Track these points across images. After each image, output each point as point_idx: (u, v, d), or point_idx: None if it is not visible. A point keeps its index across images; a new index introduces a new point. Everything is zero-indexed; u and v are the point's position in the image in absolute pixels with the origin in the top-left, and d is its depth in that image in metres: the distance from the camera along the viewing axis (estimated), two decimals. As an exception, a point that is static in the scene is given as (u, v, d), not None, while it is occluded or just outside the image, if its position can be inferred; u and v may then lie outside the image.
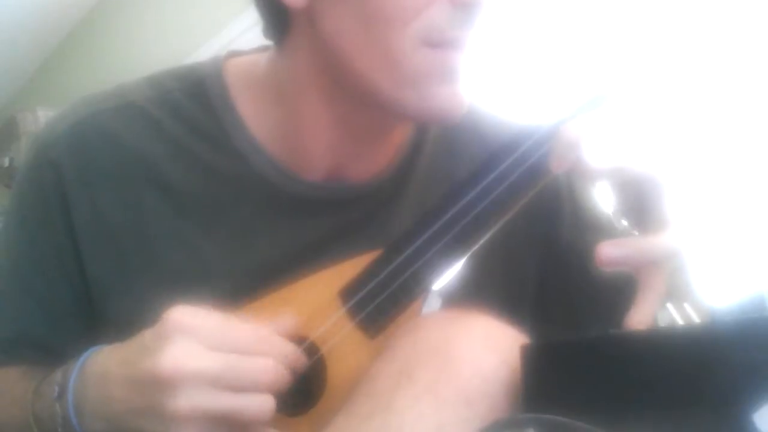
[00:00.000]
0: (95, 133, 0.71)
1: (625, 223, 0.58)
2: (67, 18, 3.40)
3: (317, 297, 0.65)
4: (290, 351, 0.59)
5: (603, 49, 1.37)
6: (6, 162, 2.78)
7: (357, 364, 0.61)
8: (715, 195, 1.10)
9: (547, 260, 0.77)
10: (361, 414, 0.53)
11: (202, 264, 0.70)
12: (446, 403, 0.51)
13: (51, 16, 3.33)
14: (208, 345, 0.55)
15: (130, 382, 0.56)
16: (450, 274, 0.64)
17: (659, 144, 0.56)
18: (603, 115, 0.56)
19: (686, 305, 0.56)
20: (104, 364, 0.60)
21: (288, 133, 0.71)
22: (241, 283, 0.67)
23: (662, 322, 0.55)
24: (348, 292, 0.65)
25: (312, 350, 0.64)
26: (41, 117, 2.68)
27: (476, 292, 0.66)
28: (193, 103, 0.72)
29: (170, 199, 0.70)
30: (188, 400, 0.53)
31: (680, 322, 0.55)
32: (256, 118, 0.71)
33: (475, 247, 0.63)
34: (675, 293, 0.57)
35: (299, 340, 0.63)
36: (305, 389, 0.63)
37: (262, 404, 0.55)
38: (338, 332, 0.64)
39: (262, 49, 0.74)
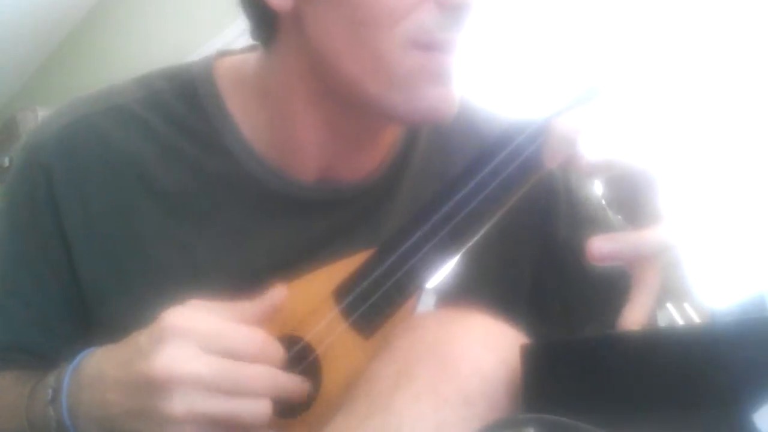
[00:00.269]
0: (85, 136, 0.70)
1: (619, 218, 0.58)
2: (67, 18, 3.40)
3: (311, 297, 0.65)
4: (283, 354, 0.59)
5: (596, 40, 1.36)
6: (6, 162, 2.78)
7: (352, 364, 0.61)
8: (715, 194, 1.10)
9: (543, 257, 0.77)
10: (360, 414, 0.52)
11: (195, 265, 0.69)
12: (446, 402, 0.51)
13: (51, 16, 3.34)
14: (203, 348, 0.55)
15: (125, 384, 0.56)
16: (444, 271, 0.64)
17: (652, 138, 0.56)
18: (596, 108, 0.56)
19: (686, 305, 0.55)
20: (98, 366, 0.59)
21: (278, 134, 0.70)
22: (233, 284, 0.66)
23: (662, 322, 0.55)
24: (341, 292, 0.64)
25: (307, 351, 0.64)
26: (41, 117, 2.68)
27: (472, 290, 0.66)
28: (183, 104, 0.71)
29: (161, 200, 0.70)
30: (183, 404, 0.53)
31: (680, 322, 0.55)
32: (246, 119, 0.71)
33: (469, 244, 0.63)
34: (674, 292, 0.57)
35: (294, 340, 0.63)
36: None
37: (259, 409, 0.55)
38: (333, 332, 0.64)
39: (252, 48, 0.73)
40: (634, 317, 0.53)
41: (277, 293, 0.62)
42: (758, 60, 1.14)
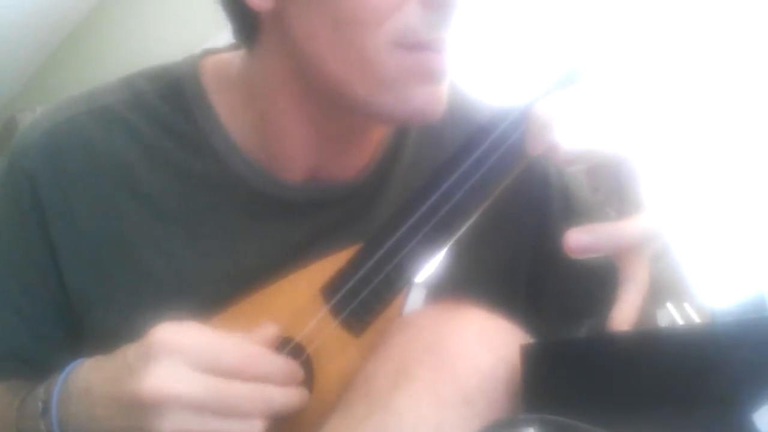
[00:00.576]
0: (69, 140, 0.69)
1: (613, 212, 0.57)
2: (67, 18, 3.39)
3: (299, 296, 0.64)
4: (281, 368, 0.58)
5: (579, 20, 1.35)
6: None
7: (344, 363, 0.61)
8: (715, 194, 1.10)
9: (538, 251, 0.76)
10: (359, 414, 0.52)
11: (183, 270, 0.68)
12: (446, 402, 0.50)
13: (51, 16, 3.33)
14: (194, 366, 0.54)
15: (113, 401, 0.55)
16: (432, 265, 0.63)
17: (636, 126, 0.54)
18: (575, 94, 0.54)
19: (686, 305, 0.55)
20: (86, 380, 0.58)
21: (265, 135, 0.69)
22: (223, 288, 0.65)
23: (662, 322, 0.55)
24: (329, 290, 0.63)
25: (298, 351, 0.63)
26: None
27: (467, 284, 0.65)
28: (169, 105, 0.70)
29: (148, 204, 0.69)
30: (172, 424, 0.52)
31: (680, 322, 0.54)
32: (233, 119, 0.70)
33: (456, 236, 0.62)
34: (673, 292, 0.57)
35: (284, 340, 0.62)
36: None
37: (251, 429, 0.54)
38: (323, 332, 0.63)
39: (237, 45, 0.72)
40: (623, 315, 0.52)
41: (266, 328, 0.61)
42: (755, 53, 1.14)
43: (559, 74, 0.61)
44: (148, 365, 0.53)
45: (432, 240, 0.62)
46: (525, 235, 0.76)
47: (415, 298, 0.63)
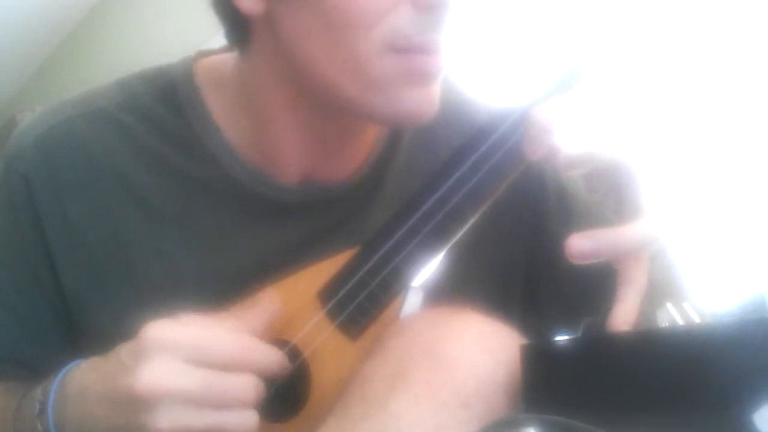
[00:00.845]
0: (64, 143, 0.69)
1: (606, 214, 0.57)
2: (67, 18, 3.39)
3: (296, 299, 0.64)
4: (274, 358, 0.58)
5: (578, 23, 1.35)
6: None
7: (341, 367, 0.61)
8: (715, 195, 1.10)
9: (535, 254, 0.76)
10: (356, 416, 0.52)
11: (178, 272, 0.68)
12: (444, 404, 0.50)
13: (51, 16, 3.33)
14: (187, 360, 0.54)
15: (109, 400, 0.55)
16: (429, 268, 0.63)
17: (635, 130, 0.54)
18: (574, 98, 0.54)
19: (686, 305, 0.55)
20: (82, 381, 0.59)
21: (259, 137, 0.69)
22: (218, 290, 0.65)
23: (662, 322, 0.55)
24: (327, 293, 0.64)
25: (294, 354, 0.63)
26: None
27: (464, 288, 0.65)
28: (164, 107, 0.70)
29: (143, 206, 0.69)
30: (167, 419, 0.53)
31: (680, 322, 0.54)
32: (227, 121, 0.70)
33: (453, 240, 0.62)
34: (673, 292, 0.57)
35: (281, 344, 0.62)
36: (290, 394, 0.62)
37: (245, 420, 0.55)
38: (319, 335, 0.63)
39: (231, 47, 0.72)
40: (622, 317, 0.52)
41: (268, 300, 0.61)
42: (753, 56, 1.14)
43: (558, 77, 0.61)
44: (140, 362, 0.53)
45: (429, 244, 0.61)
46: (522, 238, 0.76)
47: (412, 301, 0.63)
